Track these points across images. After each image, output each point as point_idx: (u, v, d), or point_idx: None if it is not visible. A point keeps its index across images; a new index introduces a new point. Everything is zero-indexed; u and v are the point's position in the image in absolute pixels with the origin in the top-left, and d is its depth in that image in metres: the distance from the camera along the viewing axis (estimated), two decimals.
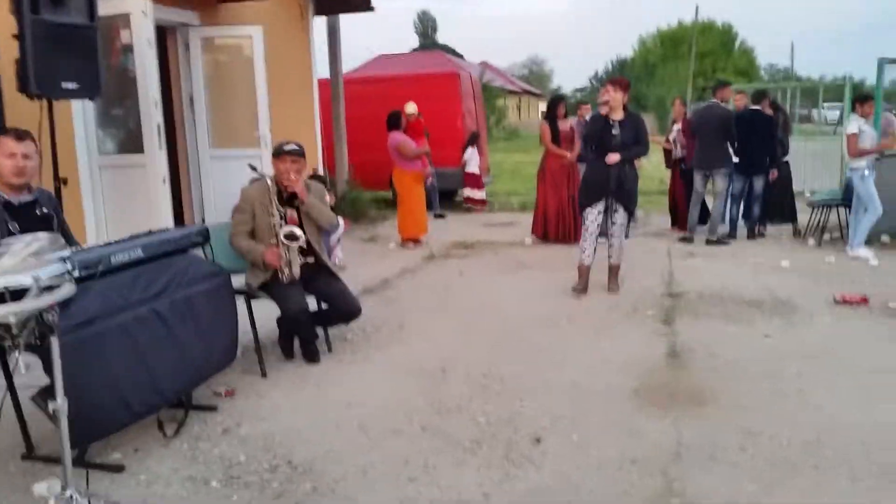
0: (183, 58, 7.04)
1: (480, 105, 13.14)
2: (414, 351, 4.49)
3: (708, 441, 3.18)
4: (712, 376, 3.97)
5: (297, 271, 4.02)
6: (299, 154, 4.17)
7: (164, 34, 7.04)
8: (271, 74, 7.81)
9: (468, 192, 11.25)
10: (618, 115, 5.62)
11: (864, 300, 5.40)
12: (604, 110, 5.74)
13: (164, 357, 3.18)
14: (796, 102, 15.73)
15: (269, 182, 4.05)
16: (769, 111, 8.22)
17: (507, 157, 22.72)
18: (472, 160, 11.12)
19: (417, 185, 8.11)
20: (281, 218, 4.04)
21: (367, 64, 17.55)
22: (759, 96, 8.42)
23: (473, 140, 11.15)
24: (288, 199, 4.17)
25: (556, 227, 8.13)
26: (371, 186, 11.09)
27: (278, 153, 4.13)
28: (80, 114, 5.70)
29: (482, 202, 11.31)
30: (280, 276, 3.99)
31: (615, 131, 5.60)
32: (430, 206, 10.74)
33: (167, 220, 5.73)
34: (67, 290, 2.01)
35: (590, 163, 5.88)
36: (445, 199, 11.42)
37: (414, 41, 55.73)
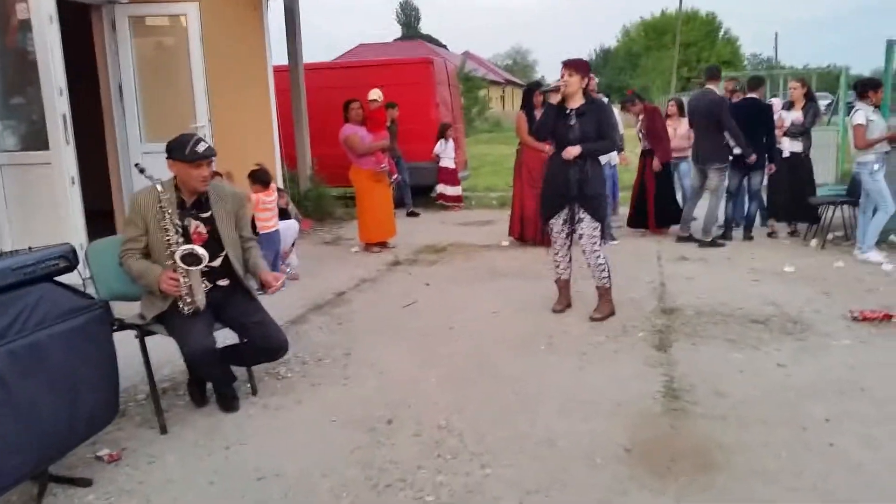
0: (110, 39, 6.16)
1: (456, 94, 12.34)
2: (358, 391, 3.69)
3: None
4: (720, 427, 3.20)
5: (201, 300, 3.18)
6: (214, 155, 3.35)
7: (88, 11, 6.17)
8: (217, 59, 6.97)
9: (441, 188, 10.45)
10: (576, 103, 4.76)
11: (888, 316, 4.67)
12: (555, 98, 4.79)
13: (1, 429, 2.37)
14: (784, 93, 15.06)
15: (159, 188, 3.19)
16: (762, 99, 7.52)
17: (489, 150, 21.82)
18: (446, 154, 10.32)
19: (378, 185, 7.26)
20: (180, 234, 3.19)
21: (347, 53, 16.87)
22: (755, 83, 7.67)
23: (444, 131, 10.33)
24: (193, 207, 3.34)
25: (535, 228, 7.35)
26: (338, 182, 10.25)
27: (193, 158, 3.23)
28: None
29: (457, 199, 10.51)
30: (180, 306, 3.17)
31: (572, 121, 4.74)
32: (402, 204, 9.99)
33: (77, 227, 4.91)
34: None
35: (547, 163, 5.08)
36: (421, 195, 10.63)
37: (398, 31, 54.96)
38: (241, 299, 3.41)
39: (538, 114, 7.24)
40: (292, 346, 4.33)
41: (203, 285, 3.21)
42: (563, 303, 5.07)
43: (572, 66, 4.74)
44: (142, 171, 3.23)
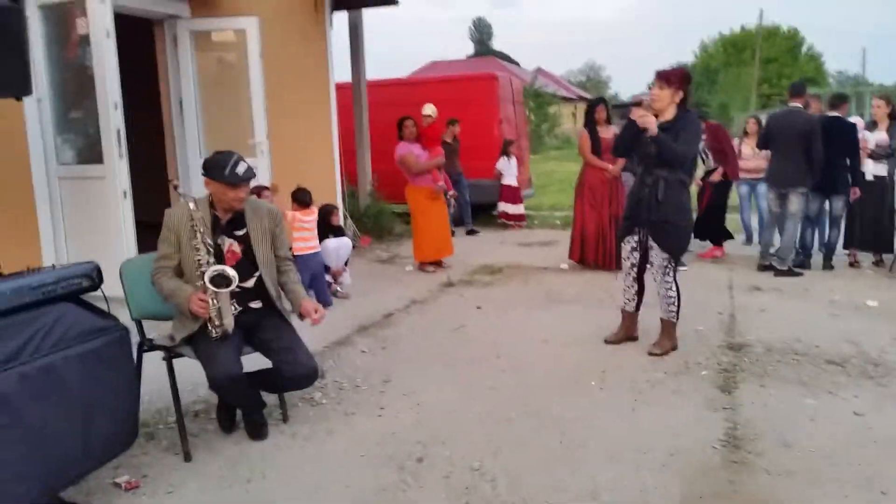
0: (171, 54, 6.24)
1: (522, 111, 12.11)
2: (392, 423, 3.50)
3: None
4: (786, 484, 2.87)
5: (229, 324, 3.06)
6: (254, 177, 3.25)
7: (151, 27, 6.28)
8: (279, 74, 6.99)
9: (503, 206, 10.23)
10: (665, 118, 4.31)
11: None
12: (637, 114, 4.34)
13: (9, 455, 2.28)
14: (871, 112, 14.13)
15: (191, 206, 3.10)
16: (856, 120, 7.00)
17: (558, 168, 21.48)
18: (508, 171, 10.11)
19: (434, 203, 7.11)
20: (211, 254, 3.09)
21: (419, 70, 16.92)
22: (837, 101, 7.15)
23: (506, 148, 10.14)
24: (228, 225, 3.24)
25: (596, 251, 7.04)
26: (399, 198, 10.16)
27: (234, 181, 3.12)
28: (36, 117, 4.93)
29: (519, 218, 10.27)
30: (209, 328, 3.05)
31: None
32: (461, 222, 9.84)
33: (128, 241, 4.92)
34: None
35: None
36: (483, 213, 10.45)
37: (471, 49, 55.41)
38: (273, 323, 3.28)
39: (602, 130, 6.97)
40: (332, 371, 4.24)
41: (232, 308, 3.10)
42: (620, 335, 4.74)
43: (664, 77, 4.30)
44: (175, 187, 3.15)
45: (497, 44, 56.80)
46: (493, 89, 10.54)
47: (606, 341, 4.71)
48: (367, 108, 9.53)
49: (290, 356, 3.17)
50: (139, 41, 6.52)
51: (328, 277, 6.40)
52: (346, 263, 6.61)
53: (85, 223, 5.01)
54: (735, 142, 8.55)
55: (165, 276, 3.13)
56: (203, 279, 2.99)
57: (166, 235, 3.15)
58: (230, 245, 3.20)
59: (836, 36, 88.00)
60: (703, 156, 7.53)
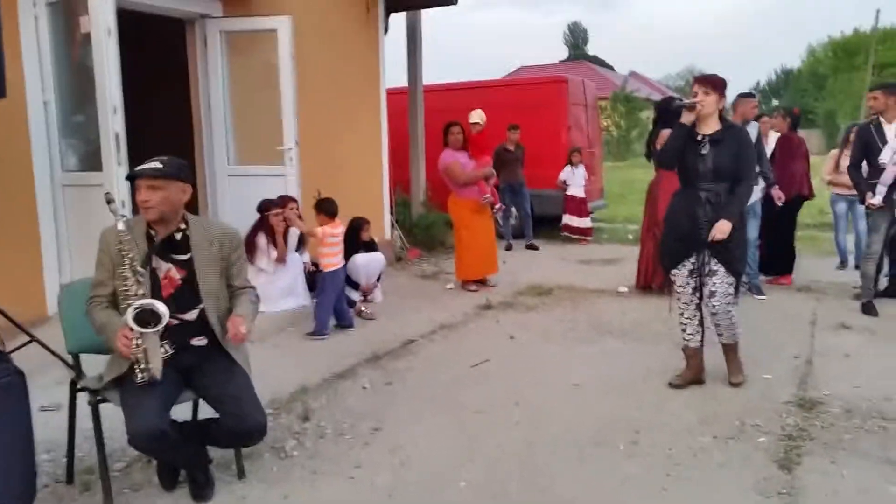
0: (201, 55, 5.92)
1: (595, 117, 11.32)
2: (363, 489, 2.93)
3: None
4: None
5: (156, 368, 2.57)
6: (151, 175, 2.65)
7: (183, 27, 5.99)
8: (319, 78, 6.63)
9: (567, 219, 9.52)
10: (710, 128, 3.86)
11: None
12: (688, 118, 3.86)
13: None
14: None
15: (120, 226, 2.64)
16: None
17: (644, 175, 20.23)
18: (574, 181, 9.40)
19: (479, 217, 6.52)
20: (141, 284, 2.61)
21: (508, 75, 16.58)
22: None
23: (571, 157, 9.42)
24: (167, 246, 2.75)
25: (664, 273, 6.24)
26: None
27: (128, 177, 2.74)
28: (42, 121, 4.68)
29: (584, 232, 9.52)
30: (135, 371, 2.58)
31: (704, 150, 3.82)
32: (521, 235, 9.24)
33: None
34: None
35: (672, 198, 4.13)
36: (548, 225, 9.75)
37: (566, 53, 54.59)
38: (218, 365, 2.77)
39: None
40: (320, 411, 3.73)
41: (163, 350, 2.62)
42: (688, 376, 4.09)
43: (708, 83, 3.86)
44: (109, 202, 2.70)
45: (593, 48, 55.69)
46: (561, 93, 9.84)
47: (671, 385, 4.06)
48: (422, 114, 9.04)
49: (235, 407, 2.65)
50: (174, 42, 6.27)
51: (357, 296, 5.94)
52: (377, 279, 6.13)
53: (87, 233, 4.70)
54: (833, 152, 7.60)
55: (99, 306, 2.68)
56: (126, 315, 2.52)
57: (101, 258, 2.71)
58: (168, 271, 2.73)
59: None
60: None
